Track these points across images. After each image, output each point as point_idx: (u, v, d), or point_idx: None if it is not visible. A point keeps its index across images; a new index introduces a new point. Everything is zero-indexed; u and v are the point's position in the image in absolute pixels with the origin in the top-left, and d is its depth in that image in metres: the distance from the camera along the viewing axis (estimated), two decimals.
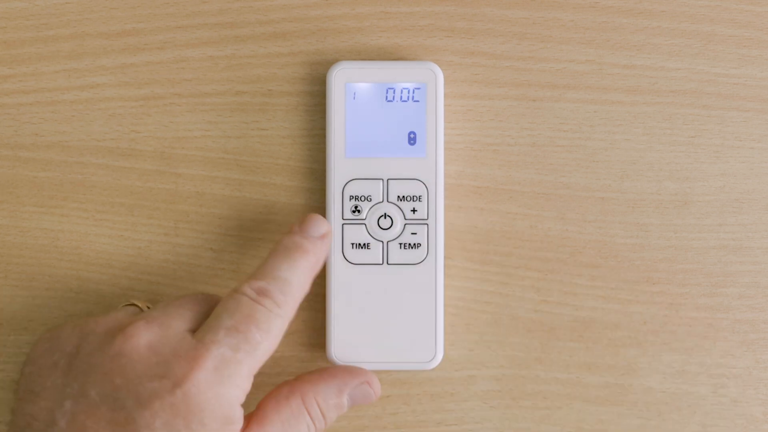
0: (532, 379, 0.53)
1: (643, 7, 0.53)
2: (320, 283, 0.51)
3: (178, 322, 0.46)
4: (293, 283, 0.47)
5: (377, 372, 0.51)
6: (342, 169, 0.51)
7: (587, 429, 0.53)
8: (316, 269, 0.49)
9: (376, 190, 0.51)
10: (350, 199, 0.51)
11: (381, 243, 0.51)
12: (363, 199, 0.51)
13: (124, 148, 0.53)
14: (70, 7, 0.53)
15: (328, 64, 0.53)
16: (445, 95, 0.53)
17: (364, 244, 0.51)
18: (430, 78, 0.51)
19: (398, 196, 0.51)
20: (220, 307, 0.46)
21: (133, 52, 0.53)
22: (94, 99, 0.53)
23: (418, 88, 0.51)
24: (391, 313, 0.51)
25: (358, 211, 0.51)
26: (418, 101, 0.51)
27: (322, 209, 0.53)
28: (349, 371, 0.49)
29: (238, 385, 0.44)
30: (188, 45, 0.53)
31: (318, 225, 0.49)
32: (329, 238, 0.50)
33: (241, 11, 0.53)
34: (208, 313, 0.47)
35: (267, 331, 0.45)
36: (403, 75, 0.51)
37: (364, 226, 0.51)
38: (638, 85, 0.53)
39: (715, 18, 0.53)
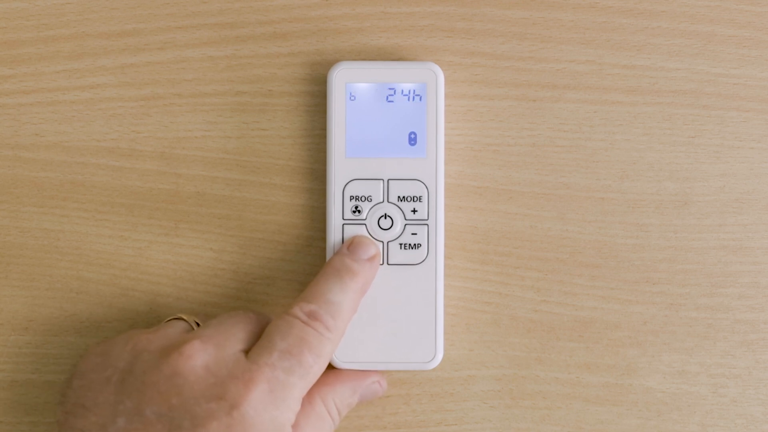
0: (532, 379, 0.53)
1: (643, 7, 0.53)
2: None
3: (232, 342, 0.46)
4: (343, 307, 0.47)
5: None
6: (342, 169, 0.51)
7: (587, 429, 0.53)
8: (365, 291, 0.49)
9: (376, 191, 0.51)
10: (350, 199, 0.51)
11: (381, 243, 0.51)
12: (363, 199, 0.51)
13: (125, 149, 0.53)
14: (70, 7, 0.53)
15: (328, 64, 0.53)
16: (445, 95, 0.53)
17: None
18: (430, 78, 0.51)
19: (398, 197, 0.51)
20: (272, 328, 0.46)
21: (133, 52, 0.53)
22: (94, 99, 0.53)
23: (419, 89, 0.51)
24: (391, 313, 0.51)
25: (359, 212, 0.51)
26: (418, 101, 0.51)
27: (322, 209, 0.53)
28: (361, 371, 0.50)
29: (291, 407, 0.45)
30: (188, 45, 0.53)
31: (367, 247, 0.50)
32: (378, 261, 0.50)
33: (241, 11, 0.53)
34: (259, 333, 0.47)
35: (318, 355, 0.46)
36: (403, 75, 0.51)
37: (364, 226, 0.51)
38: (638, 85, 0.53)
39: (715, 18, 0.53)
